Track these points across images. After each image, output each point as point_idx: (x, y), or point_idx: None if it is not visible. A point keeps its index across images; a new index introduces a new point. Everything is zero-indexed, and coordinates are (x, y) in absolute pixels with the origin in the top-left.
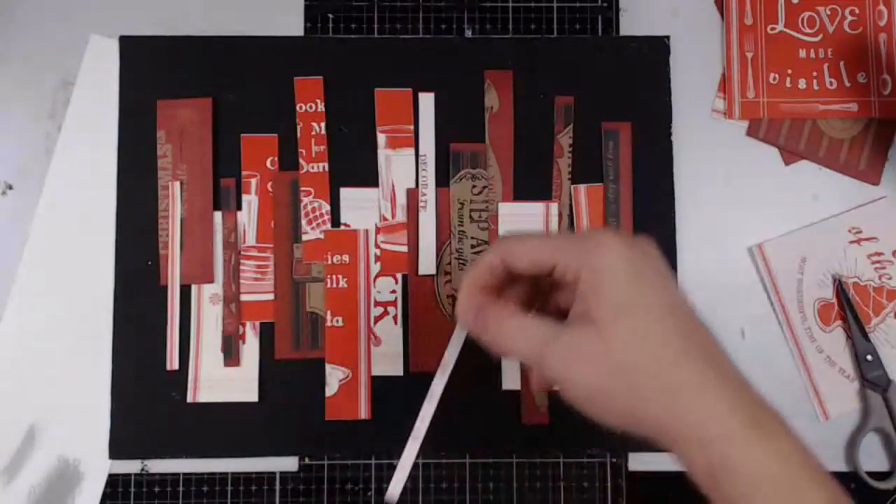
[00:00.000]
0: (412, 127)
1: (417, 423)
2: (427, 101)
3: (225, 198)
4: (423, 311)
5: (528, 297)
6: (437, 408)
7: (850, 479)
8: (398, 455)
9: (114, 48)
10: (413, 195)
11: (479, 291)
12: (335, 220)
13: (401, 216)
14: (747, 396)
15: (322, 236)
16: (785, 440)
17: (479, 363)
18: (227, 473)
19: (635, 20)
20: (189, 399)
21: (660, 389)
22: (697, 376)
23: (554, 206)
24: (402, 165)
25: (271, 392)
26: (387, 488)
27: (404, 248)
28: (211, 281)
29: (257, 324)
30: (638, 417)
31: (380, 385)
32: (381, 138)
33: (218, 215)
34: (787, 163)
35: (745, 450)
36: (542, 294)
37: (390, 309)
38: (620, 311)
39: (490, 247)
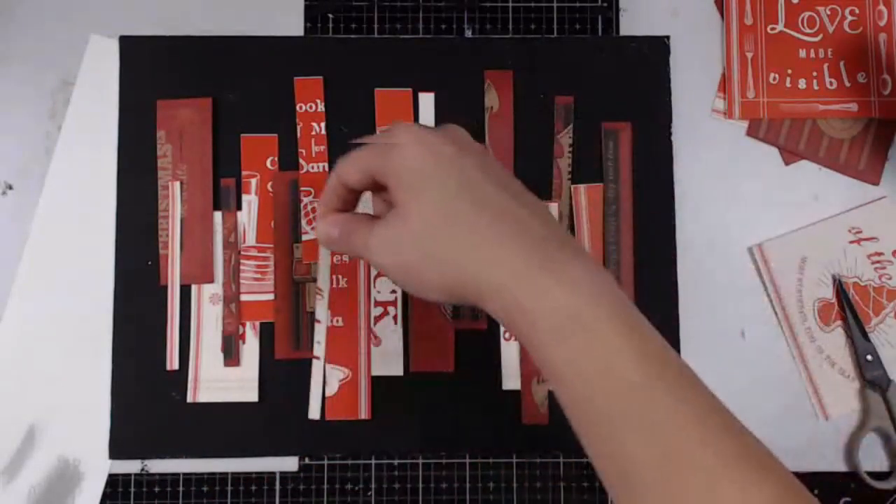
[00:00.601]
0: None
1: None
2: (427, 101)
3: (225, 198)
4: (423, 311)
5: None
6: (437, 407)
7: (850, 479)
8: (398, 455)
9: (114, 48)
10: None
11: (332, 212)
12: None
13: None
14: (543, 247)
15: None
16: (576, 276)
17: (479, 363)
18: (227, 473)
19: (635, 20)
20: (189, 399)
21: (454, 251)
22: (491, 234)
23: (554, 206)
24: None
25: (271, 392)
26: (387, 488)
27: None
28: (211, 281)
29: (257, 324)
30: (447, 285)
31: (380, 385)
32: None
33: (218, 215)
34: (787, 163)
35: (531, 288)
36: None
37: (390, 309)
38: (417, 192)
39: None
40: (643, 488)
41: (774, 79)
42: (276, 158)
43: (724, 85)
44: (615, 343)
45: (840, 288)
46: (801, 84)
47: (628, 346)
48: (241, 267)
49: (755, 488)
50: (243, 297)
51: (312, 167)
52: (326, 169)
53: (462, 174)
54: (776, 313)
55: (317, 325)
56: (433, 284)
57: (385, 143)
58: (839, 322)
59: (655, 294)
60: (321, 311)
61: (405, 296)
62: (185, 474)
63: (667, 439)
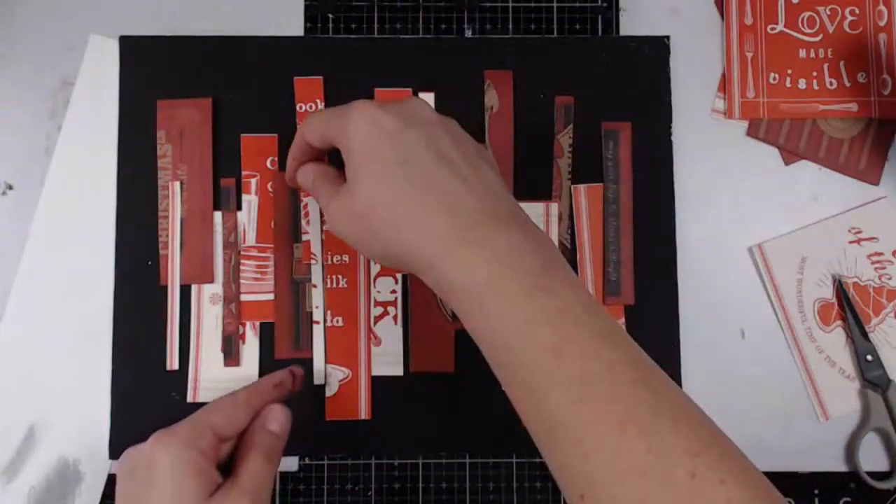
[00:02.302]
0: None
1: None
2: (427, 100)
3: (225, 198)
4: (423, 311)
5: None
6: (437, 407)
7: (850, 479)
8: (398, 455)
9: (114, 48)
10: None
11: (298, 164)
12: None
13: None
14: (468, 221)
15: (322, 236)
16: (498, 248)
17: (479, 363)
18: None
19: (635, 20)
20: (189, 399)
21: (389, 227)
22: (419, 210)
23: (554, 206)
24: None
25: None
26: (387, 488)
27: None
28: (211, 281)
29: (257, 324)
30: (390, 258)
31: (380, 385)
32: None
33: (218, 215)
34: (787, 163)
35: (454, 263)
36: None
37: (390, 309)
38: (360, 167)
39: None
40: (564, 440)
41: (774, 79)
42: (276, 158)
43: (724, 85)
44: (530, 310)
45: (840, 288)
46: (801, 84)
47: (541, 310)
48: (241, 267)
49: (665, 437)
50: (243, 297)
51: None
52: None
53: (402, 149)
54: (776, 313)
55: (312, 263)
56: (379, 255)
57: (341, 113)
58: (839, 322)
59: (655, 294)
60: (316, 274)
61: (405, 296)
62: None
63: (579, 394)
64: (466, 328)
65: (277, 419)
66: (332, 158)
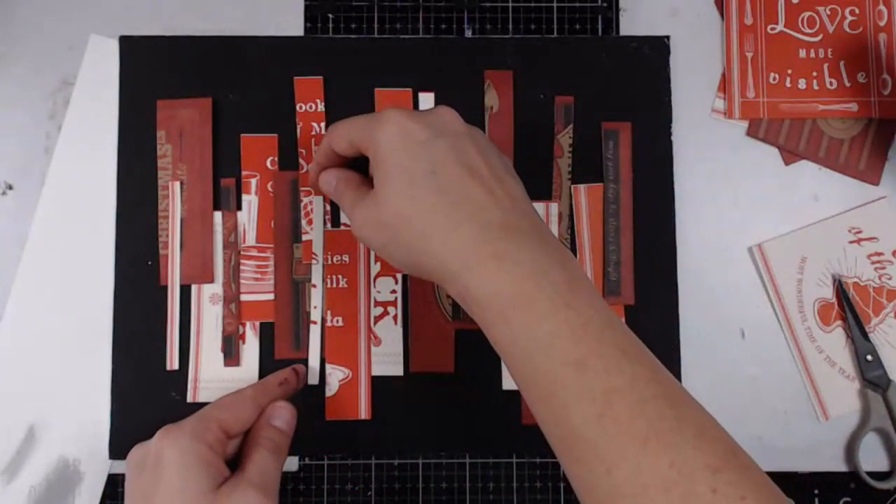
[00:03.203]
0: None
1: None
2: (427, 101)
3: (225, 198)
4: (423, 311)
5: None
6: (437, 407)
7: (850, 479)
8: (398, 455)
9: (114, 48)
10: None
11: (322, 169)
12: (335, 219)
13: None
14: (495, 234)
15: (324, 236)
16: (523, 262)
17: (479, 363)
18: None
19: (635, 20)
20: (189, 399)
21: (416, 237)
22: (447, 222)
23: (554, 206)
24: None
25: None
26: (387, 488)
27: None
28: (211, 281)
29: (257, 324)
30: (412, 266)
31: (380, 385)
32: None
33: (218, 215)
34: (787, 163)
35: (479, 275)
36: None
37: (390, 309)
38: (389, 176)
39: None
40: (586, 454)
41: (774, 79)
42: (276, 158)
43: (724, 85)
44: (554, 325)
45: (840, 288)
46: (801, 84)
47: (566, 325)
48: (241, 267)
49: (687, 452)
50: (243, 297)
51: None
52: None
53: (430, 159)
54: (776, 313)
55: (313, 266)
56: (401, 263)
57: (371, 121)
58: (839, 322)
59: (655, 294)
60: (317, 274)
61: (405, 296)
62: None
63: (601, 409)
64: (489, 338)
65: (283, 416)
66: (353, 166)
